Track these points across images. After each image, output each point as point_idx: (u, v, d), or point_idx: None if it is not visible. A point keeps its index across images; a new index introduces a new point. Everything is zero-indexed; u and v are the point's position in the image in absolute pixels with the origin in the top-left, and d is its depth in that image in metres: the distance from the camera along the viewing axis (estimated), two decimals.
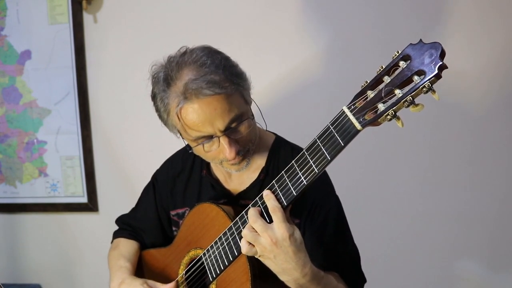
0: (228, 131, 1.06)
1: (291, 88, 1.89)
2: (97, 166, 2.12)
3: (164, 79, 1.07)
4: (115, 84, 2.04)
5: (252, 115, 1.12)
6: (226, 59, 1.10)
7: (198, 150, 1.12)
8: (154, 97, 1.12)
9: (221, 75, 1.04)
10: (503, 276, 1.89)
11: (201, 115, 1.03)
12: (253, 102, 1.14)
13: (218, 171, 1.26)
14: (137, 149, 2.07)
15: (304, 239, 1.12)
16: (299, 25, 1.85)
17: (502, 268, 1.89)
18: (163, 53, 1.95)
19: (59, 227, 2.20)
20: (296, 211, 1.15)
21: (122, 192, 2.09)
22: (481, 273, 1.89)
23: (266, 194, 0.96)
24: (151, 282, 1.18)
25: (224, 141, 1.06)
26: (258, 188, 1.18)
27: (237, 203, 1.21)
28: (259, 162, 1.22)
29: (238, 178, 1.24)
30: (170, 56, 1.10)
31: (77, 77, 2.04)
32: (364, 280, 1.20)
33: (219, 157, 1.10)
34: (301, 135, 1.30)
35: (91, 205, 2.14)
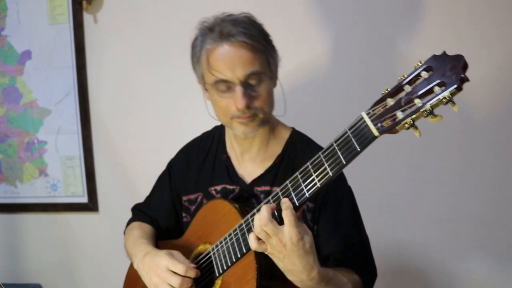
0: (245, 83, 1.13)
1: (296, 86, 1.88)
2: (97, 166, 2.12)
3: (207, 27, 1.17)
4: (115, 84, 2.04)
5: (272, 80, 1.19)
6: (264, 29, 1.20)
7: (213, 94, 1.18)
8: (193, 41, 1.21)
9: (255, 32, 1.15)
10: (506, 275, 1.89)
11: (226, 57, 1.12)
12: (278, 83, 1.22)
13: (233, 156, 1.30)
14: (137, 149, 2.07)
15: (318, 225, 1.15)
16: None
17: (506, 267, 1.88)
18: (163, 53, 1.97)
19: (60, 227, 2.20)
20: None
21: (122, 192, 2.09)
22: (484, 273, 1.89)
23: (284, 200, 0.97)
24: (176, 253, 1.17)
25: (239, 89, 1.12)
26: (274, 173, 1.23)
27: (251, 190, 1.24)
28: (275, 149, 1.26)
29: (252, 163, 1.27)
30: (218, 15, 1.20)
31: (77, 77, 2.04)
32: (375, 275, 1.21)
33: (231, 109, 1.15)
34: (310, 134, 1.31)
35: (91, 205, 2.14)
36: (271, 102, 1.20)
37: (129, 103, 2.05)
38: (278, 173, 1.23)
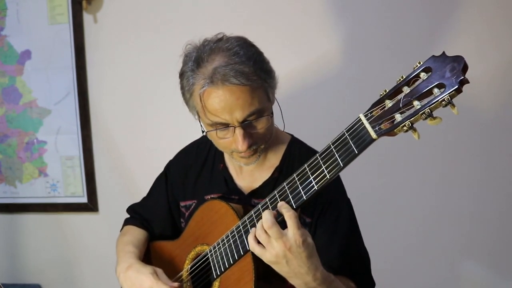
0: (245, 124, 1.07)
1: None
2: (97, 166, 2.12)
3: (195, 59, 1.08)
4: (115, 84, 2.04)
5: (272, 113, 1.13)
6: (259, 54, 1.11)
7: (212, 135, 1.13)
8: (181, 75, 1.13)
9: (251, 67, 1.05)
10: (509, 278, 1.89)
11: (222, 101, 1.04)
12: (275, 101, 1.16)
13: (231, 166, 1.27)
14: (137, 149, 2.07)
15: (315, 239, 1.11)
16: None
17: (509, 270, 1.88)
18: (163, 53, 1.97)
19: (59, 227, 2.20)
20: (307, 210, 1.15)
21: (122, 192, 2.09)
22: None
23: (281, 204, 0.96)
24: (159, 271, 1.17)
25: (239, 132, 1.07)
26: (272, 186, 1.19)
27: (249, 201, 1.21)
28: (273, 161, 1.22)
29: (250, 175, 1.24)
30: (206, 39, 1.11)
31: (77, 77, 2.04)
32: (373, 284, 1.20)
33: (231, 147, 1.11)
34: (310, 135, 1.30)
35: (91, 205, 2.14)
36: (271, 130, 1.14)
37: (129, 103, 2.04)
38: (275, 186, 1.17)
